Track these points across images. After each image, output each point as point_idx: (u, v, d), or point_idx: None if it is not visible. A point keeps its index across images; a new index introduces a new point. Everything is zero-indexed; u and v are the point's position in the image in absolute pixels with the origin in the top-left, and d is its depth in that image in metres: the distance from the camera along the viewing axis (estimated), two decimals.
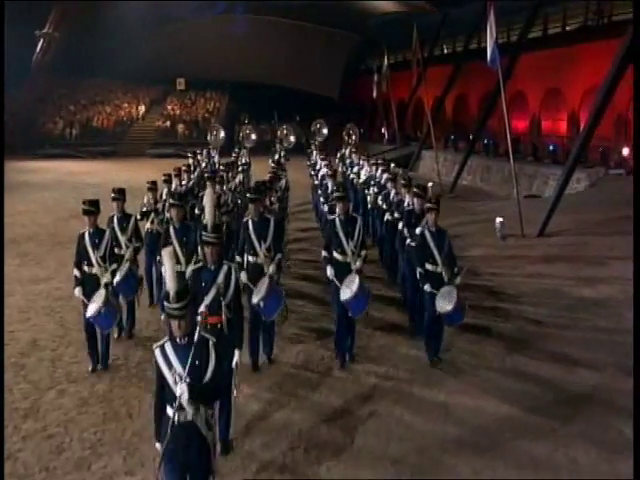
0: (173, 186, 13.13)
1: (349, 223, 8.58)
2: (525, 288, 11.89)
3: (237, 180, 16.00)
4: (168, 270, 4.96)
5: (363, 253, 8.56)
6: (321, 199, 14.89)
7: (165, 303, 4.81)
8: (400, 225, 10.60)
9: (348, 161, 19.63)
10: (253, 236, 8.48)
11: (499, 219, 15.75)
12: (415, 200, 9.95)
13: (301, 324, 10.09)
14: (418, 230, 8.92)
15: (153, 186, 11.48)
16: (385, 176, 13.43)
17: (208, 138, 22.59)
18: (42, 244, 16.12)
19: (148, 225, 10.95)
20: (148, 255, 10.79)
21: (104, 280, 8.18)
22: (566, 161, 18.79)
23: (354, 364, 8.58)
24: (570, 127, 28.34)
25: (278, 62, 45.75)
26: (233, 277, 6.60)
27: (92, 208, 8.33)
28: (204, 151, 21.26)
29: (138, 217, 10.36)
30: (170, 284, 4.81)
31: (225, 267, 6.60)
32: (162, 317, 7.39)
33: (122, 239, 9.46)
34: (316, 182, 17.38)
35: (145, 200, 11.17)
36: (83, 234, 8.35)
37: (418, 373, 8.31)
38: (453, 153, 32.58)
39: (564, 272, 12.75)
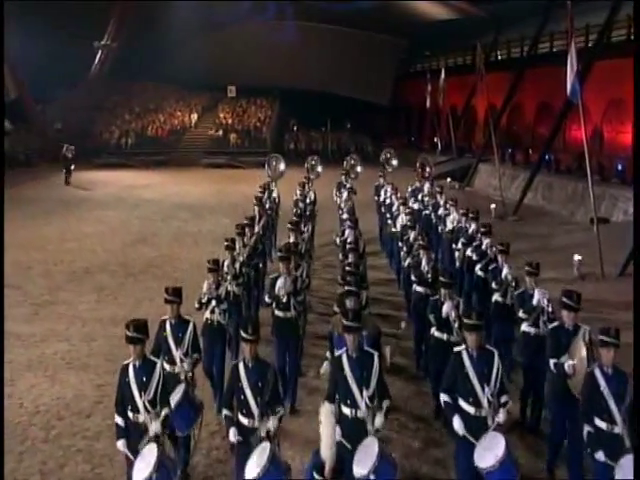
0: (237, 248, 11.32)
1: (483, 361, 6.30)
2: None
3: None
4: (326, 432, 4.29)
5: (504, 400, 6.31)
6: (402, 252, 13.32)
7: (315, 476, 4.09)
8: (521, 314, 8.70)
9: (426, 199, 17.69)
10: (351, 380, 6.15)
11: (577, 257, 15.39)
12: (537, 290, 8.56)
13: None
14: (586, 368, 6.61)
15: (214, 266, 9.45)
16: (486, 241, 11.69)
17: (266, 169, 19.85)
18: (115, 275, 16.24)
19: (208, 315, 9.16)
20: (208, 353, 8.85)
21: (153, 429, 6.23)
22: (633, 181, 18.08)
23: None
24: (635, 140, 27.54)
25: (327, 69, 45.68)
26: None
27: (138, 335, 6.53)
28: (265, 188, 18.52)
29: (196, 306, 9.17)
30: (326, 452, 4.12)
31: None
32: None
33: (176, 354, 7.50)
34: (394, 229, 15.19)
35: (205, 287, 9.19)
36: (126, 368, 6.55)
37: None
38: (510, 167, 31.89)
39: None
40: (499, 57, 41.89)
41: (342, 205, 17.49)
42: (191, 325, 7.64)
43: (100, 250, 18.80)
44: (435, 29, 42.76)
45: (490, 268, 10.58)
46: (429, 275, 10.23)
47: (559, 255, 17.37)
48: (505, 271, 9.89)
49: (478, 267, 11.31)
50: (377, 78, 46.65)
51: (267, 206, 16.41)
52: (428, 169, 19.98)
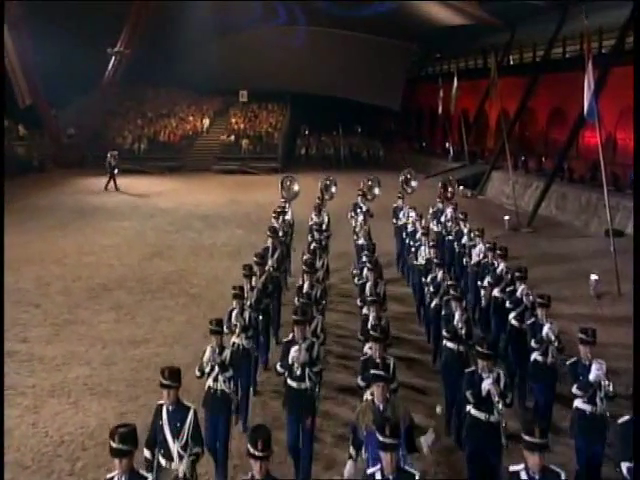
0: (246, 292, 10.41)
1: None
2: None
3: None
4: None
5: None
6: (426, 289, 12.30)
7: None
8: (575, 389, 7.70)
9: (449, 224, 16.59)
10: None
11: (594, 277, 15.42)
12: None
13: None
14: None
15: (218, 328, 8.47)
16: (522, 287, 10.60)
17: (279, 190, 19.12)
18: (132, 292, 16.39)
19: (210, 383, 8.24)
20: (211, 424, 8.07)
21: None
22: None
23: None
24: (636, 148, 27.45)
25: (338, 73, 45.75)
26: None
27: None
28: (279, 214, 16.98)
29: (197, 374, 8.27)
30: None
31: None
32: None
33: (174, 446, 6.49)
34: (416, 262, 14.15)
35: (208, 353, 8.24)
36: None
37: None
38: (523, 174, 31.85)
39: None
40: (511, 62, 41.91)
41: (357, 229, 16.76)
42: (191, 413, 6.60)
43: (117, 264, 18.96)
44: (446, 32, 42.74)
45: (529, 322, 9.65)
46: (463, 330, 9.23)
47: (574, 271, 17.43)
48: (547, 329, 9.02)
49: (512, 316, 10.50)
50: (388, 82, 46.66)
51: (281, 233, 15.57)
52: (451, 189, 18.78)
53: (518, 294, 10.57)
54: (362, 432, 6.55)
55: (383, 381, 6.65)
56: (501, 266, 11.97)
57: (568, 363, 7.74)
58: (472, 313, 12.89)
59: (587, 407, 7.44)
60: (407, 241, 15.96)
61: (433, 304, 11.51)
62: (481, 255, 13.19)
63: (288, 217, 17.16)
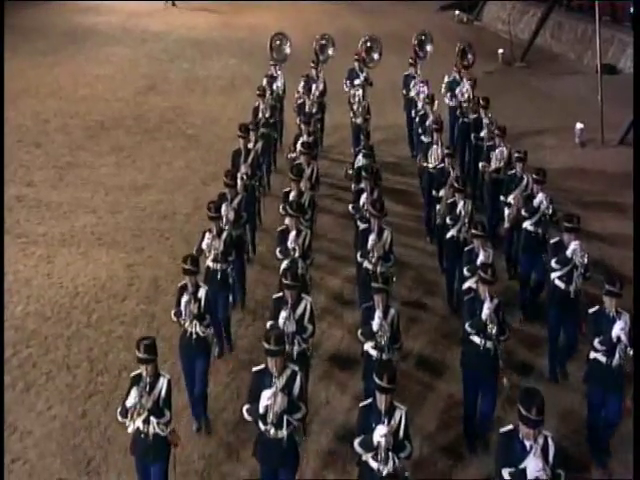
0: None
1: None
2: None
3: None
4: None
5: None
6: (442, 212, 10.04)
7: None
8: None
9: (465, 105, 13.66)
10: None
11: (579, 125, 15.73)
12: None
13: None
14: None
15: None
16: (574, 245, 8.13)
17: (268, 51, 15.67)
18: (130, 132, 16.74)
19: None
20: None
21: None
22: None
23: None
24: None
25: None
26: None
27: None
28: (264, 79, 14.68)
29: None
30: None
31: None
32: None
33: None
34: (425, 164, 11.65)
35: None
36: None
37: None
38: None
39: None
40: None
41: (355, 107, 13.94)
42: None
43: (113, 99, 19.09)
44: None
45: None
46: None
47: (561, 115, 17.65)
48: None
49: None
50: None
51: (269, 104, 13.47)
52: (470, 56, 15.12)
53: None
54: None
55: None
56: (540, 196, 9.29)
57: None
58: (490, 227, 10.63)
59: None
60: (416, 121, 13.66)
61: (449, 235, 9.60)
62: (502, 162, 10.90)
63: (279, 84, 14.61)
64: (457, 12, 30.85)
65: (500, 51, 23.70)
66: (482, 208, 11.63)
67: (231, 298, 9.12)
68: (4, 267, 10.34)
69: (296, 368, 6.06)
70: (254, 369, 6.12)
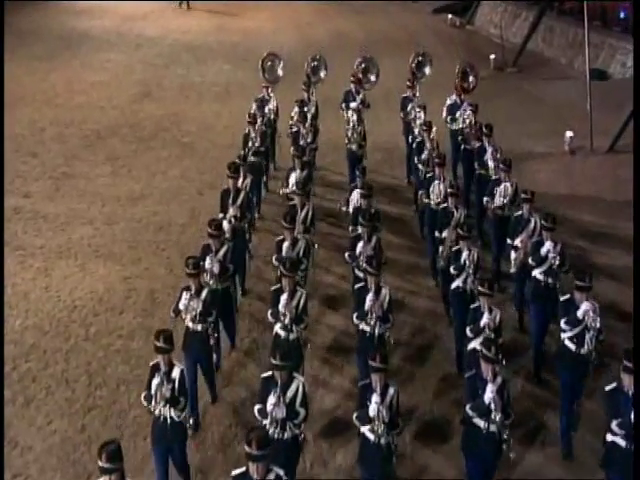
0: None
1: None
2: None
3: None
4: None
5: None
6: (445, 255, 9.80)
7: None
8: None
9: (466, 131, 13.07)
10: None
11: (569, 133, 15.96)
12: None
13: None
14: None
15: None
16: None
17: (260, 73, 15.11)
18: (125, 140, 16.93)
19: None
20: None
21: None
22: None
23: None
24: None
25: None
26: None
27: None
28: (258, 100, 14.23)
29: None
30: None
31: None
32: None
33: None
34: (426, 200, 11.07)
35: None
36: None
37: None
38: (513, 3, 30.38)
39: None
40: None
41: (349, 133, 13.48)
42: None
43: (108, 107, 19.25)
44: None
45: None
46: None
47: (552, 120, 17.90)
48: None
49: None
50: None
51: (259, 132, 12.79)
52: (472, 79, 14.38)
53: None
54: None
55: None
56: (547, 245, 8.86)
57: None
58: (495, 266, 10.81)
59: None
60: (413, 147, 13.01)
61: (454, 285, 9.04)
62: (507, 198, 10.50)
63: (272, 106, 14.04)
64: (450, 16, 30.97)
65: (492, 56, 23.91)
66: (487, 241, 11.51)
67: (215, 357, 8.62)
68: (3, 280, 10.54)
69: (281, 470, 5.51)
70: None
